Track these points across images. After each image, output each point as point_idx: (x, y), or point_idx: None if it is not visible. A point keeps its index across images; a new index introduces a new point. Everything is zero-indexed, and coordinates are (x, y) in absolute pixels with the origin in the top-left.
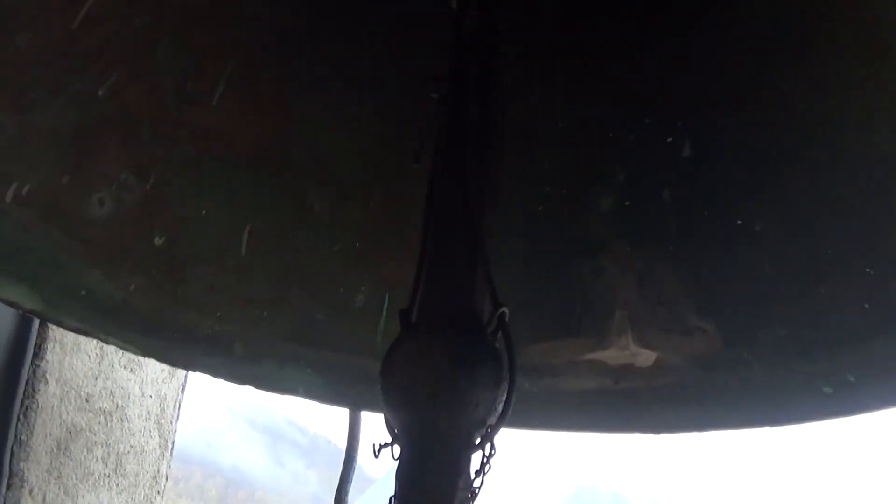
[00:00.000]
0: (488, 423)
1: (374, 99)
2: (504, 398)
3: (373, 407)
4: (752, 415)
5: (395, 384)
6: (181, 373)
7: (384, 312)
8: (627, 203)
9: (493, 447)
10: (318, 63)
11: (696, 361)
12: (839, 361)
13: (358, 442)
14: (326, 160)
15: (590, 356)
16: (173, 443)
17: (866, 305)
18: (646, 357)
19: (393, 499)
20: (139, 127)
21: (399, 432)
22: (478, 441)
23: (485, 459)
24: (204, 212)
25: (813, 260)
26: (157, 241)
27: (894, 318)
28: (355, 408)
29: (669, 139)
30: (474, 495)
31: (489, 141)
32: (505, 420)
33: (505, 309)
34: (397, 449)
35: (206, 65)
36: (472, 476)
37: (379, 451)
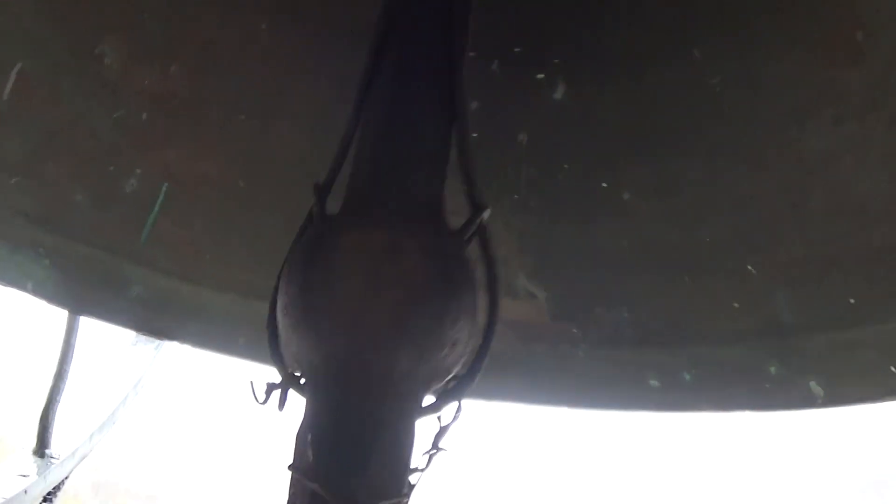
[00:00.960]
0: (454, 373)
1: None
2: (479, 341)
3: (123, 320)
4: (562, 395)
5: (309, 295)
6: None
7: (156, 207)
8: (475, 135)
9: (459, 409)
10: None
11: (514, 330)
12: (681, 358)
13: (72, 353)
14: (130, 3)
15: None
16: None
17: (736, 305)
18: None
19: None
20: None
21: (308, 371)
22: (437, 398)
23: (443, 427)
24: None
25: (685, 245)
26: None
27: (761, 325)
28: (91, 316)
29: (540, 75)
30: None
31: None
32: (479, 372)
33: (487, 211)
34: (296, 400)
35: None
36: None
37: (267, 395)
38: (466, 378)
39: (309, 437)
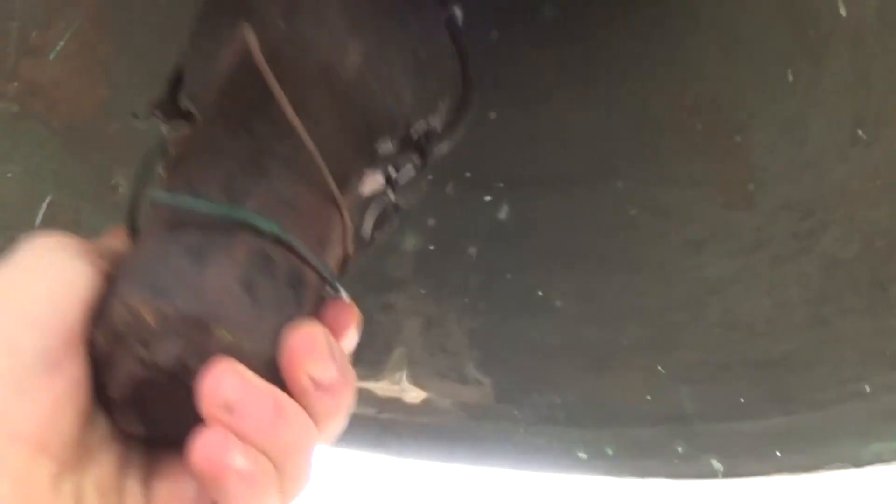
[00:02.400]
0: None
1: None
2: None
3: None
4: (506, 460)
5: None
6: None
7: None
8: (431, 248)
9: (423, 166)
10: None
11: (465, 408)
12: (603, 436)
13: None
14: (141, 144)
15: (361, 384)
16: None
17: (648, 397)
18: (415, 395)
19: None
20: None
21: (219, 90)
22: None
23: (396, 179)
24: (9, 174)
25: (606, 346)
26: None
27: (669, 413)
28: None
29: (487, 197)
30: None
31: None
32: (452, 134)
33: (458, 10)
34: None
35: (56, 14)
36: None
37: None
38: (436, 134)
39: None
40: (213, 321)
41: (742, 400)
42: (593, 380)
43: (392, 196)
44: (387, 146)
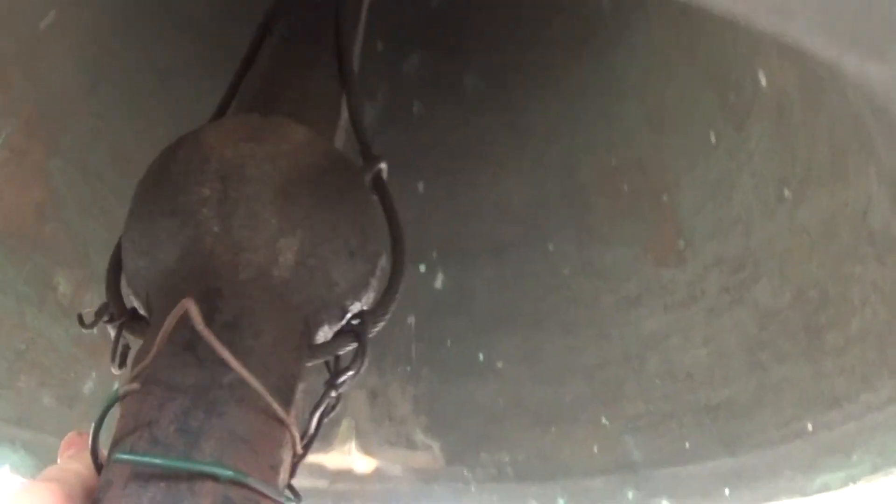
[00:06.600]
0: (355, 308)
1: None
2: (387, 281)
3: None
4: None
5: (168, 188)
6: None
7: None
8: None
9: (362, 353)
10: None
11: (416, 473)
12: (554, 489)
13: None
14: (78, 242)
15: (311, 457)
16: None
17: (595, 449)
18: (366, 464)
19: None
20: None
21: (154, 291)
22: (334, 336)
23: (338, 370)
24: None
25: (550, 403)
26: None
27: (617, 462)
28: None
29: (422, 267)
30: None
31: None
32: (388, 309)
33: (384, 164)
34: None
35: None
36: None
37: (93, 320)
38: (370, 314)
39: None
40: None
41: (687, 445)
42: (540, 436)
43: (334, 391)
44: (325, 334)
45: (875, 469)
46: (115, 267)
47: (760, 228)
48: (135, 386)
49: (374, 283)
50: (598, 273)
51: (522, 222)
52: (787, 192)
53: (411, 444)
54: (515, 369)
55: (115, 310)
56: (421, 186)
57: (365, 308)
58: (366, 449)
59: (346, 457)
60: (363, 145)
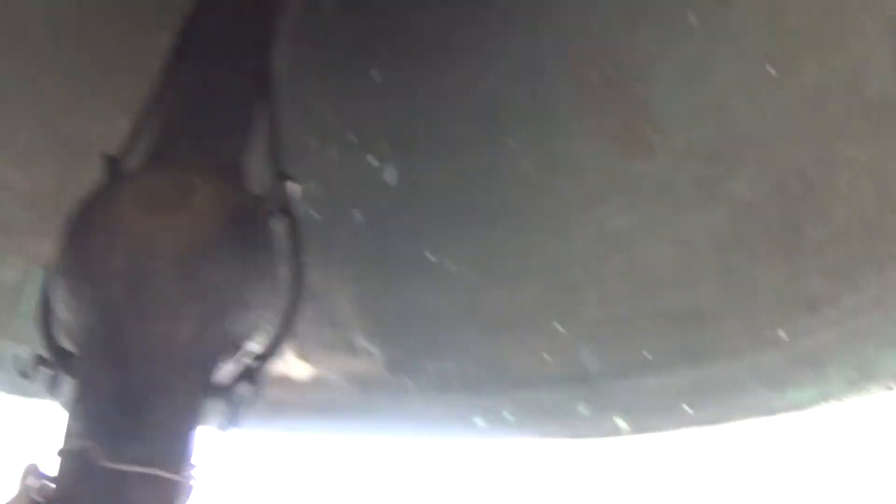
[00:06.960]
0: (252, 352)
1: None
2: (280, 318)
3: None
4: (400, 431)
5: (85, 250)
6: None
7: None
8: (314, 214)
9: (256, 388)
10: None
11: (355, 380)
12: (502, 401)
13: None
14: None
15: None
16: None
17: (545, 356)
18: (303, 370)
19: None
20: None
21: (83, 339)
22: (232, 378)
23: (234, 405)
24: None
25: (502, 308)
26: None
27: (570, 373)
28: None
29: (373, 159)
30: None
31: None
32: (279, 350)
33: (295, 185)
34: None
35: None
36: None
37: (34, 369)
38: (264, 357)
39: (80, 409)
40: None
41: (647, 354)
42: (489, 344)
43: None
44: (224, 375)
45: (850, 385)
46: (46, 308)
47: (740, 113)
48: None
49: (269, 327)
50: (560, 168)
51: (482, 115)
52: (771, 70)
53: (351, 350)
54: (467, 271)
55: (49, 353)
56: (377, 74)
57: (259, 348)
58: (303, 354)
59: (281, 362)
60: (275, 164)
